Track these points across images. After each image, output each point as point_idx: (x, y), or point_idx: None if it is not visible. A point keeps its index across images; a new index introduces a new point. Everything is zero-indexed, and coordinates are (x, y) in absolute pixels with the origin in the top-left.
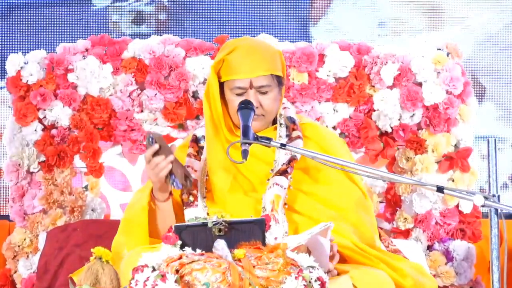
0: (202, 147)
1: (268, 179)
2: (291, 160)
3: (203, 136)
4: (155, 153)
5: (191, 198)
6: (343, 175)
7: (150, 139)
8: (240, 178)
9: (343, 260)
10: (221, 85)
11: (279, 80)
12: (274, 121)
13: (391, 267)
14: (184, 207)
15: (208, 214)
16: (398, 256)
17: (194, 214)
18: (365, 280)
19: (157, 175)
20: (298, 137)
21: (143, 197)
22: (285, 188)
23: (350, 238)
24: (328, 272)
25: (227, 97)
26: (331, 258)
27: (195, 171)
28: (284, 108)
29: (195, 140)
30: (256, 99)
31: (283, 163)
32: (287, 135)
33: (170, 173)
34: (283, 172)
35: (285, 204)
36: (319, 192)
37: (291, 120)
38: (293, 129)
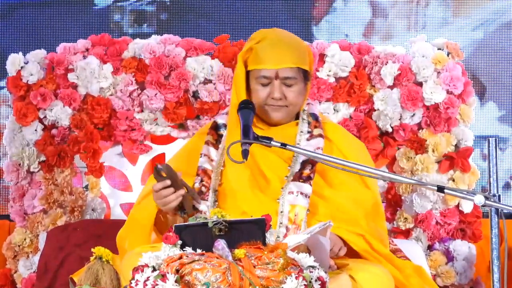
0: (221, 136)
1: (286, 176)
2: (314, 164)
3: (224, 124)
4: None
5: (203, 189)
6: (358, 180)
7: (159, 170)
8: (256, 173)
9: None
10: (248, 75)
11: (305, 74)
12: (297, 116)
13: (397, 268)
14: None
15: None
16: (402, 260)
17: (203, 208)
18: (365, 275)
19: (164, 206)
20: (320, 135)
21: (151, 200)
22: (309, 197)
23: (362, 230)
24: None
25: (252, 86)
26: (333, 256)
27: (212, 160)
28: (308, 104)
29: (215, 128)
30: (280, 90)
31: (307, 168)
32: (308, 131)
33: (179, 204)
34: (306, 178)
35: (307, 210)
36: (333, 196)
37: (314, 117)
38: (315, 126)
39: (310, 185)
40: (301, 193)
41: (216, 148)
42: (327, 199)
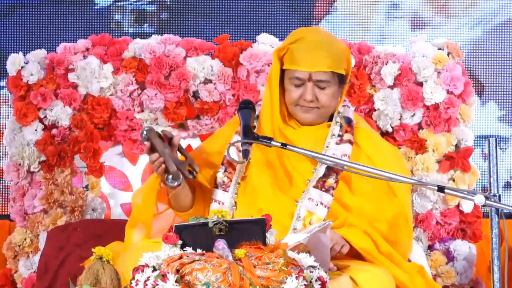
0: (253, 127)
1: (309, 180)
2: (338, 172)
3: (257, 116)
4: (152, 149)
5: (226, 180)
6: (385, 188)
7: (143, 134)
8: (280, 171)
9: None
10: (283, 72)
11: (340, 78)
12: (331, 118)
13: (402, 270)
14: (215, 187)
15: (235, 203)
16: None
17: (222, 199)
18: (365, 275)
19: (155, 171)
20: (349, 141)
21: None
22: (328, 208)
23: (372, 233)
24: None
25: (286, 85)
26: (335, 254)
27: (240, 151)
28: (344, 106)
29: None
30: (313, 93)
31: (331, 176)
32: (339, 135)
33: (166, 170)
34: (329, 188)
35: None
36: (354, 204)
37: (347, 120)
38: (346, 131)
39: (332, 195)
40: (321, 203)
41: None
42: (348, 207)
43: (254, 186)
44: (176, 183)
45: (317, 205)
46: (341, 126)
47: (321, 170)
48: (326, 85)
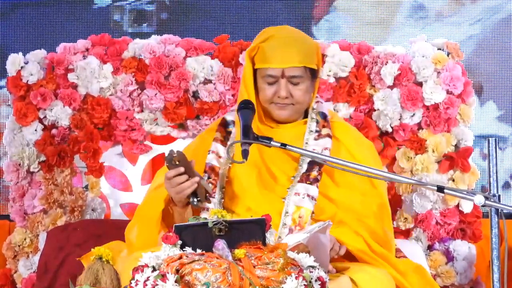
0: (229, 132)
1: (293, 177)
2: (321, 165)
3: (233, 121)
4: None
5: (210, 186)
6: (365, 180)
7: (172, 157)
8: (264, 171)
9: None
10: (256, 72)
11: (312, 72)
12: (306, 114)
13: (397, 270)
14: None
15: (223, 207)
16: (403, 260)
17: (209, 206)
18: (364, 276)
19: (177, 194)
20: (328, 135)
21: (160, 192)
22: (315, 200)
23: (363, 234)
24: (327, 272)
25: (259, 84)
26: (334, 255)
27: (220, 157)
28: (317, 102)
29: (224, 125)
30: (287, 89)
31: (314, 169)
32: (316, 131)
33: (192, 192)
34: (314, 180)
35: (312, 213)
36: (340, 197)
37: (323, 116)
38: (323, 126)
39: (317, 187)
40: (308, 195)
41: (225, 145)
42: (333, 200)
43: (239, 187)
44: (199, 204)
45: (303, 197)
46: (317, 122)
47: (304, 166)
48: (300, 80)
